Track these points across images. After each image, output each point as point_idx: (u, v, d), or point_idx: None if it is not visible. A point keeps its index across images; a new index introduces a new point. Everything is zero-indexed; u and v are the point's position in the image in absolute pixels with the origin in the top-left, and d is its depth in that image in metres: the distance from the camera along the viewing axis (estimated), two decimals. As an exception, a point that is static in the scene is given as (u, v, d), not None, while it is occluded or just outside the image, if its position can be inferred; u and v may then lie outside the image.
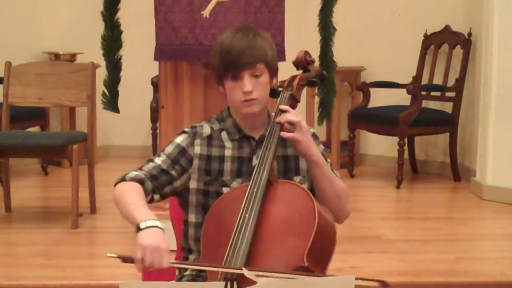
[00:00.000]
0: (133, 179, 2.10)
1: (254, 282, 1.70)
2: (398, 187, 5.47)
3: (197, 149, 2.18)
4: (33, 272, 3.57)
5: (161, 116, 4.10)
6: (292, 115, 2.11)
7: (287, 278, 1.76)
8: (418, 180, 5.87)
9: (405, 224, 4.69)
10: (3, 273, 3.53)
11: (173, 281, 2.19)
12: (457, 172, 5.72)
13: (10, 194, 4.62)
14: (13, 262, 3.77)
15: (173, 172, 2.15)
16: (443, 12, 5.93)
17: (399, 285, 3.47)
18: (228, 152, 2.18)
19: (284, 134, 2.10)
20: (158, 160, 2.17)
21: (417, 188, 5.67)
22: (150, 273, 2.38)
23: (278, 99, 2.20)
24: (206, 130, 2.21)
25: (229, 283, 1.80)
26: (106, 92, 4.23)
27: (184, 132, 2.22)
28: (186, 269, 2.18)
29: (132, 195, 2.04)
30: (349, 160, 5.88)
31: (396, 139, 5.51)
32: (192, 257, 2.20)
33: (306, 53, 2.31)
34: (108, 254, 1.82)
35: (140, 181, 2.10)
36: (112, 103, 4.23)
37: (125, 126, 6.39)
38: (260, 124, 2.18)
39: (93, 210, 4.60)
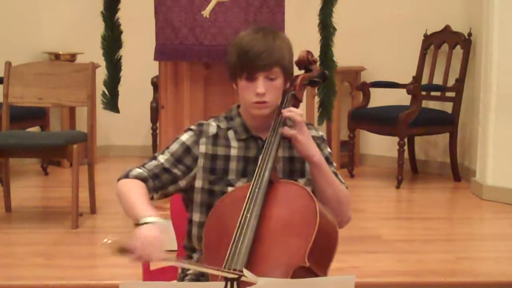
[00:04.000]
0: (136, 177, 2.11)
1: (254, 282, 1.70)
2: (398, 187, 5.47)
3: (202, 148, 2.17)
4: (33, 272, 3.57)
5: (161, 116, 4.10)
6: (296, 114, 2.11)
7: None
8: (418, 180, 5.87)
9: (405, 224, 4.68)
10: (3, 273, 3.53)
11: (174, 281, 2.19)
12: (457, 172, 5.71)
13: (10, 194, 4.62)
14: (13, 262, 3.76)
15: (176, 171, 2.15)
16: (443, 12, 5.93)
17: (399, 285, 3.47)
18: (234, 152, 2.17)
19: (285, 130, 2.10)
20: (161, 158, 2.17)
21: (417, 188, 5.67)
22: (151, 273, 2.39)
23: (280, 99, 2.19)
24: (212, 129, 2.20)
25: (229, 283, 1.79)
26: (106, 92, 4.23)
27: (190, 129, 2.21)
28: (189, 268, 2.17)
29: (136, 194, 2.05)
30: (349, 160, 5.88)
31: (396, 139, 5.51)
32: (195, 256, 2.19)
33: (309, 53, 2.31)
34: (105, 240, 1.82)
35: (143, 180, 2.11)
36: (112, 103, 4.24)
37: (125, 126, 6.39)
38: (268, 125, 2.16)
39: (93, 210, 4.60)
